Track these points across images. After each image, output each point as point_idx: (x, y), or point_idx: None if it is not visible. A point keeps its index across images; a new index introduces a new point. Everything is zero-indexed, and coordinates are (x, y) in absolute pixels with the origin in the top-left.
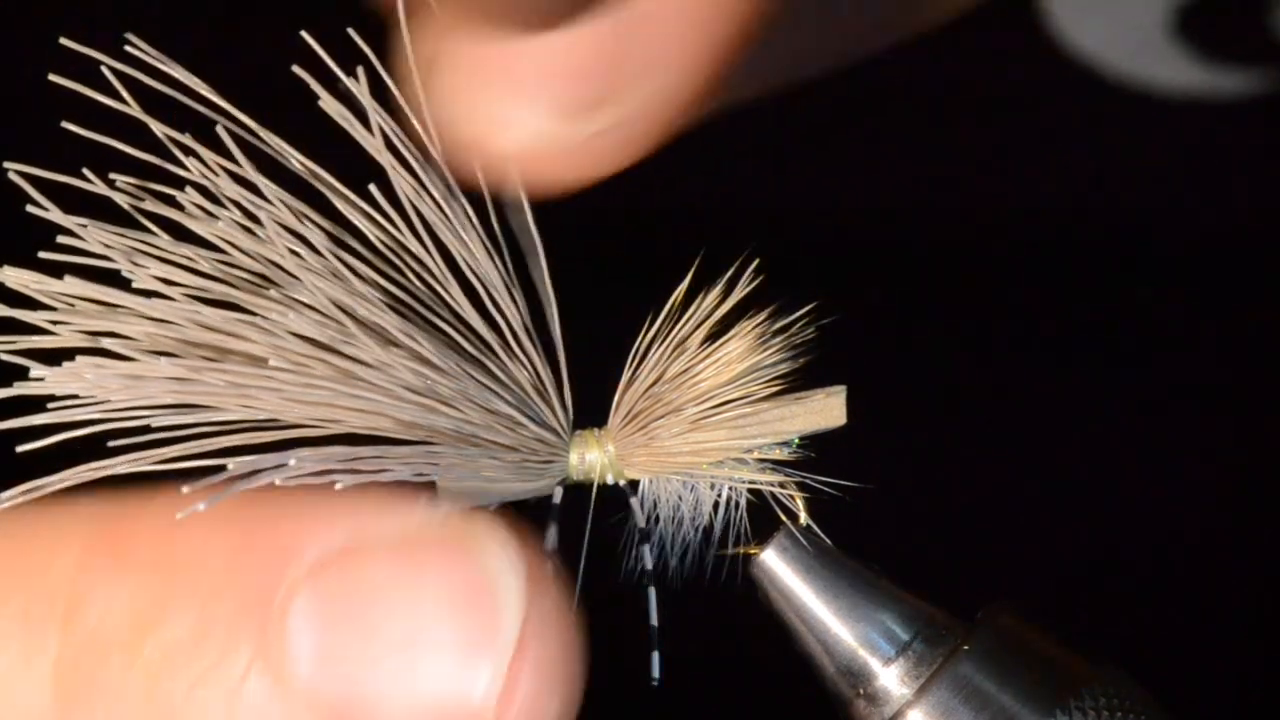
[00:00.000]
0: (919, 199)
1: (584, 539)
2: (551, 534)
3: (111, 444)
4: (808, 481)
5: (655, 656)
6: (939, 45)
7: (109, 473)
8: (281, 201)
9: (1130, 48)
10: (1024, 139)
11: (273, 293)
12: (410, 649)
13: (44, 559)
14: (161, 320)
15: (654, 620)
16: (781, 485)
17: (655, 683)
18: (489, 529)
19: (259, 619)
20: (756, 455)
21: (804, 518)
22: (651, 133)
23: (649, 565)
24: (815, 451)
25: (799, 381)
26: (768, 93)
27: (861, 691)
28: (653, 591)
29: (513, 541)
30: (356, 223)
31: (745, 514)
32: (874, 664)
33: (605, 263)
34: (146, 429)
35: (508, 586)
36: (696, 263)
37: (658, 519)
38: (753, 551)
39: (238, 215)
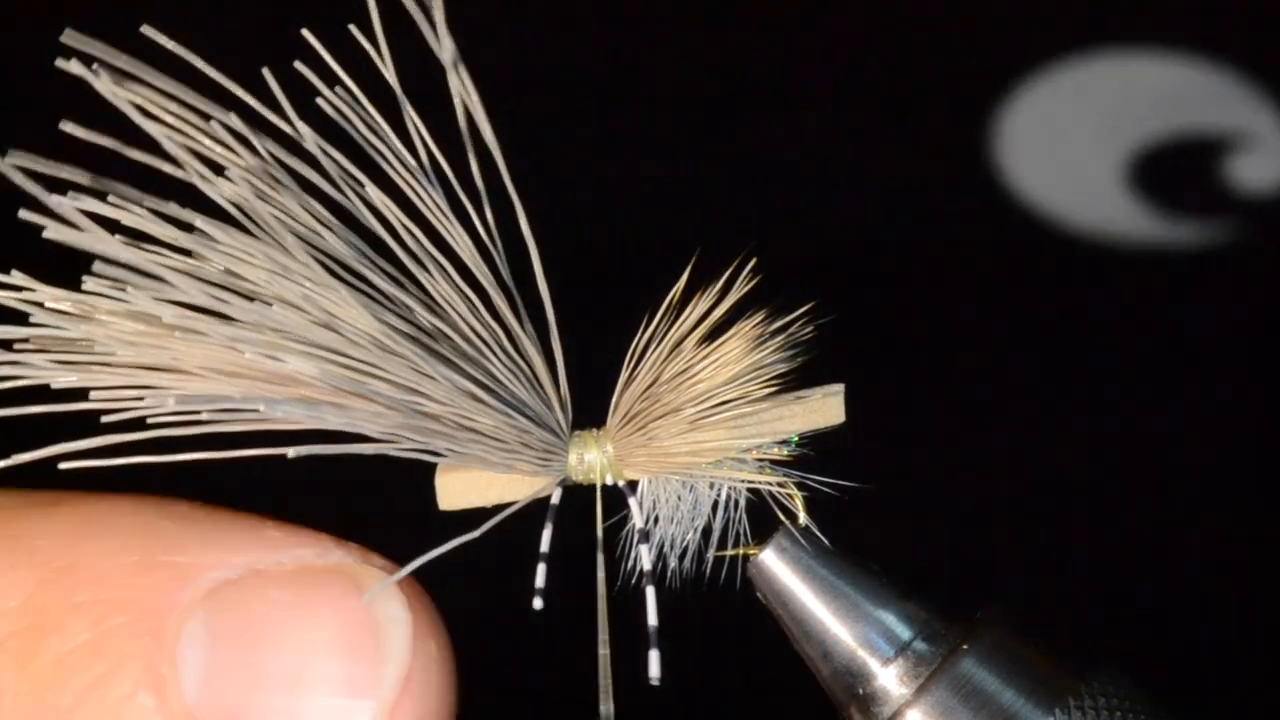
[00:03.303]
0: (917, 198)
1: (581, 539)
2: (546, 535)
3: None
4: (807, 481)
5: (654, 655)
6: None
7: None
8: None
9: (1085, 199)
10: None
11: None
12: (295, 683)
13: None
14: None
15: (653, 620)
16: (780, 485)
17: (654, 682)
18: (381, 574)
19: (152, 637)
20: (756, 455)
21: (803, 518)
22: None
23: (647, 565)
24: (814, 451)
25: (797, 381)
26: None
27: (861, 691)
28: (651, 591)
29: (403, 589)
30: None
31: (744, 514)
32: (873, 664)
33: (601, 263)
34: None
35: (394, 632)
36: (693, 262)
37: (656, 519)
38: (751, 552)
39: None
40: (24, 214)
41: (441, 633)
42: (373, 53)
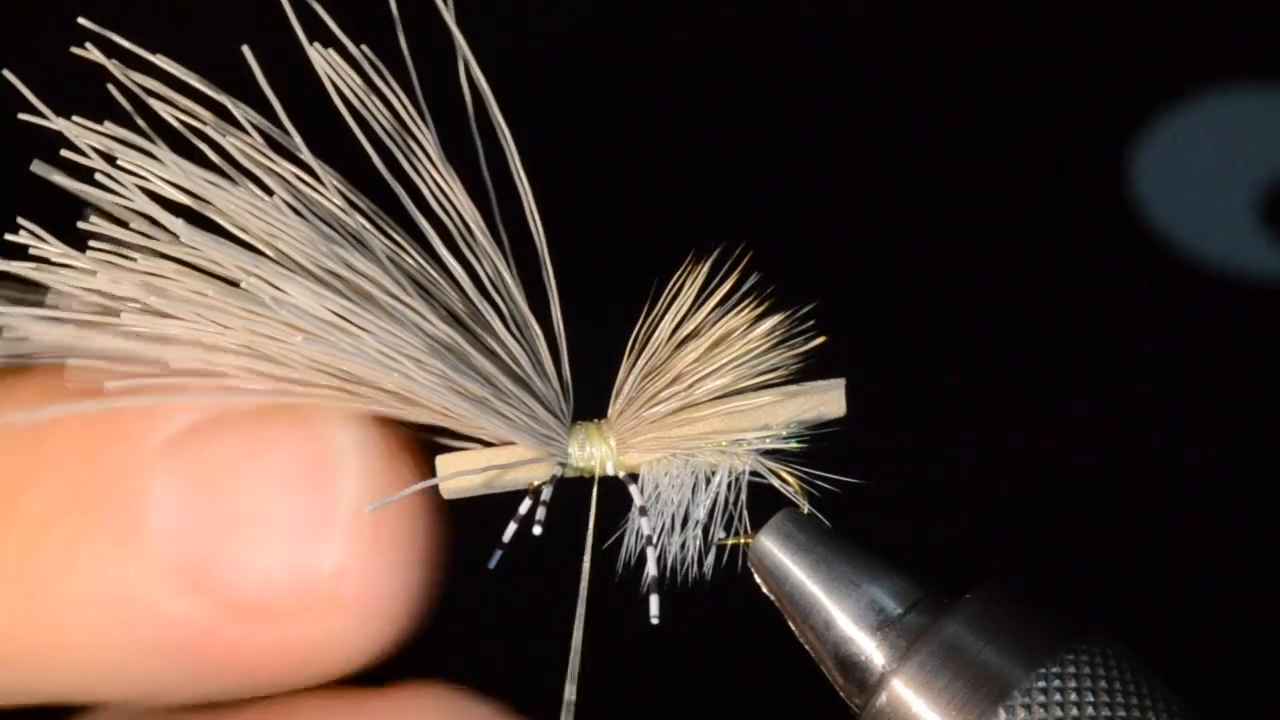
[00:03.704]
0: (919, 193)
1: (581, 535)
2: (547, 492)
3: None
4: (806, 468)
5: (654, 599)
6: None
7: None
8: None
9: (1219, 232)
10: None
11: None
12: (254, 524)
13: None
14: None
15: (652, 570)
16: (778, 472)
17: (655, 621)
18: (334, 408)
19: (121, 491)
20: (756, 445)
21: (802, 503)
22: None
23: (647, 531)
24: (814, 446)
25: (799, 376)
26: None
27: (855, 661)
28: (651, 551)
29: (357, 420)
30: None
31: (744, 508)
32: (866, 635)
33: (602, 253)
34: None
35: (348, 465)
36: (693, 252)
37: (658, 497)
38: (750, 541)
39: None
40: (36, 167)
41: (406, 463)
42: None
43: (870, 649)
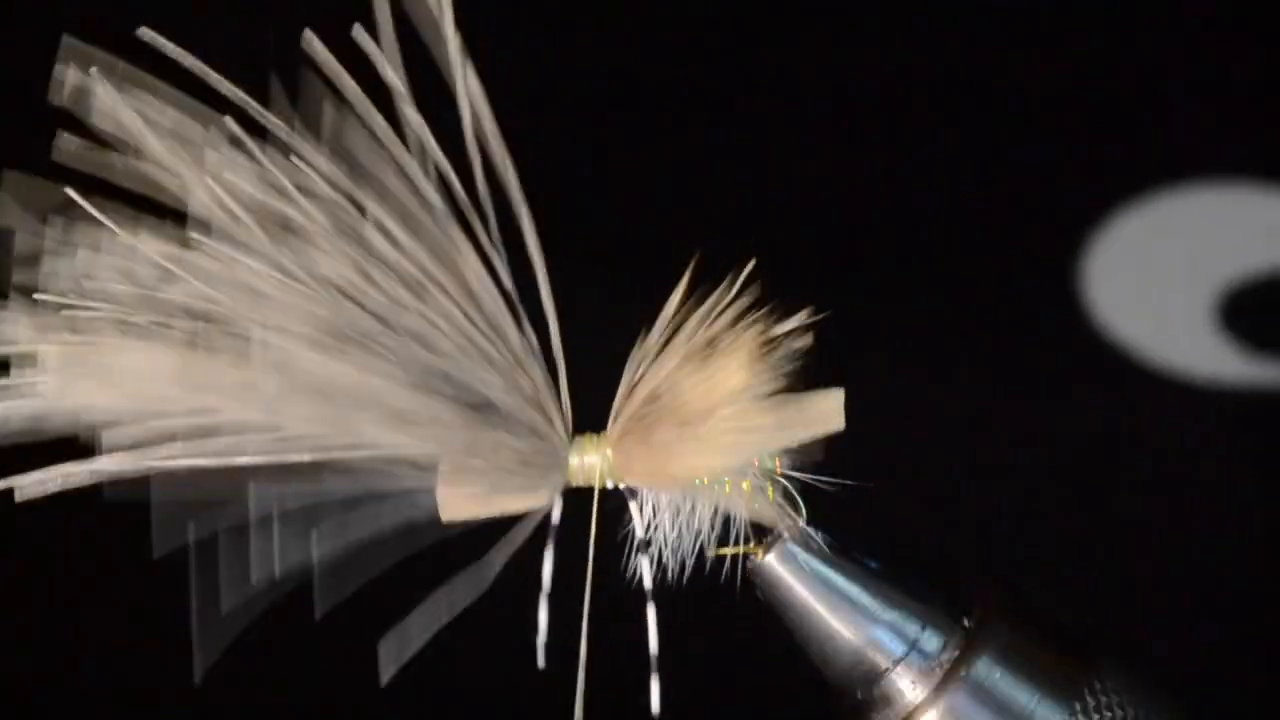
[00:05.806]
0: (917, 201)
1: (585, 548)
2: (548, 567)
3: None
4: (806, 471)
5: (654, 685)
6: None
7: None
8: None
9: (1172, 337)
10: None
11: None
12: None
13: None
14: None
15: (654, 646)
16: (780, 488)
17: (654, 713)
18: None
19: None
20: (757, 459)
21: (803, 523)
22: None
23: (649, 583)
24: (813, 444)
25: (797, 385)
26: None
27: (871, 694)
28: (652, 610)
29: None
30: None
31: (744, 517)
32: (882, 665)
33: (602, 268)
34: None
35: None
36: (692, 266)
37: (656, 514)
38: (750, 550)
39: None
40: None
41: None
42: (375, 51)
43: (884, 679)
